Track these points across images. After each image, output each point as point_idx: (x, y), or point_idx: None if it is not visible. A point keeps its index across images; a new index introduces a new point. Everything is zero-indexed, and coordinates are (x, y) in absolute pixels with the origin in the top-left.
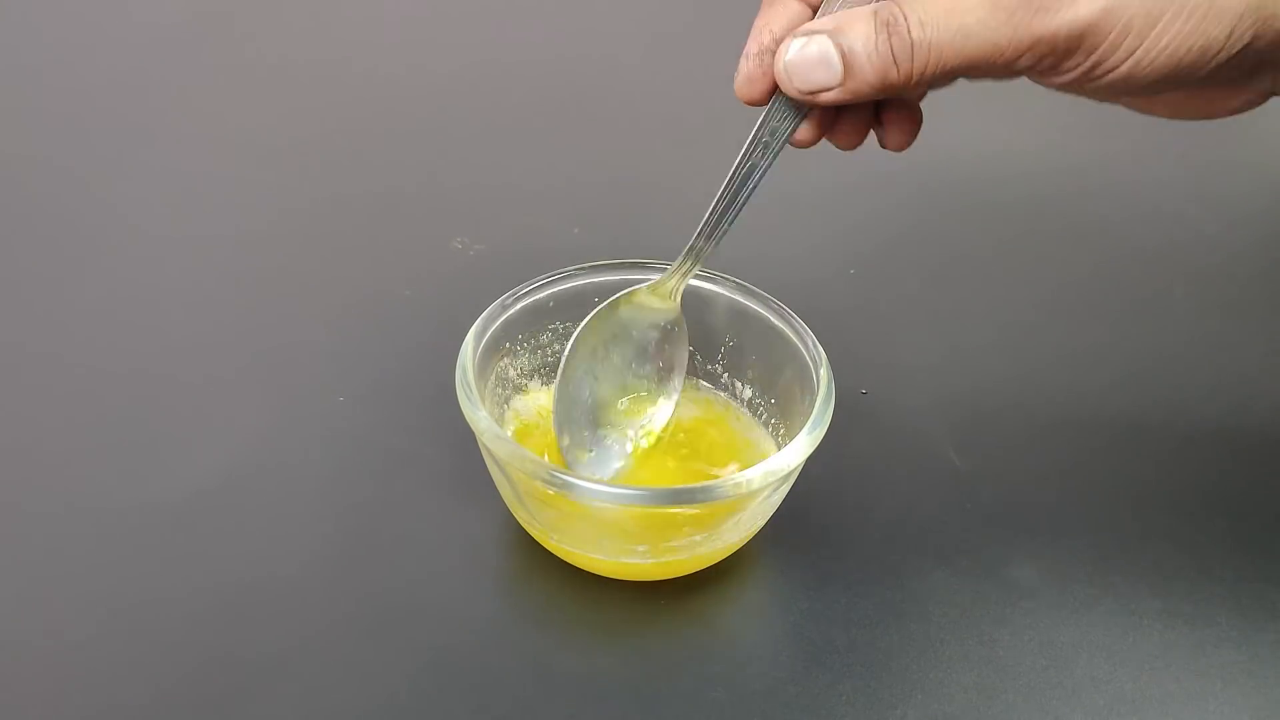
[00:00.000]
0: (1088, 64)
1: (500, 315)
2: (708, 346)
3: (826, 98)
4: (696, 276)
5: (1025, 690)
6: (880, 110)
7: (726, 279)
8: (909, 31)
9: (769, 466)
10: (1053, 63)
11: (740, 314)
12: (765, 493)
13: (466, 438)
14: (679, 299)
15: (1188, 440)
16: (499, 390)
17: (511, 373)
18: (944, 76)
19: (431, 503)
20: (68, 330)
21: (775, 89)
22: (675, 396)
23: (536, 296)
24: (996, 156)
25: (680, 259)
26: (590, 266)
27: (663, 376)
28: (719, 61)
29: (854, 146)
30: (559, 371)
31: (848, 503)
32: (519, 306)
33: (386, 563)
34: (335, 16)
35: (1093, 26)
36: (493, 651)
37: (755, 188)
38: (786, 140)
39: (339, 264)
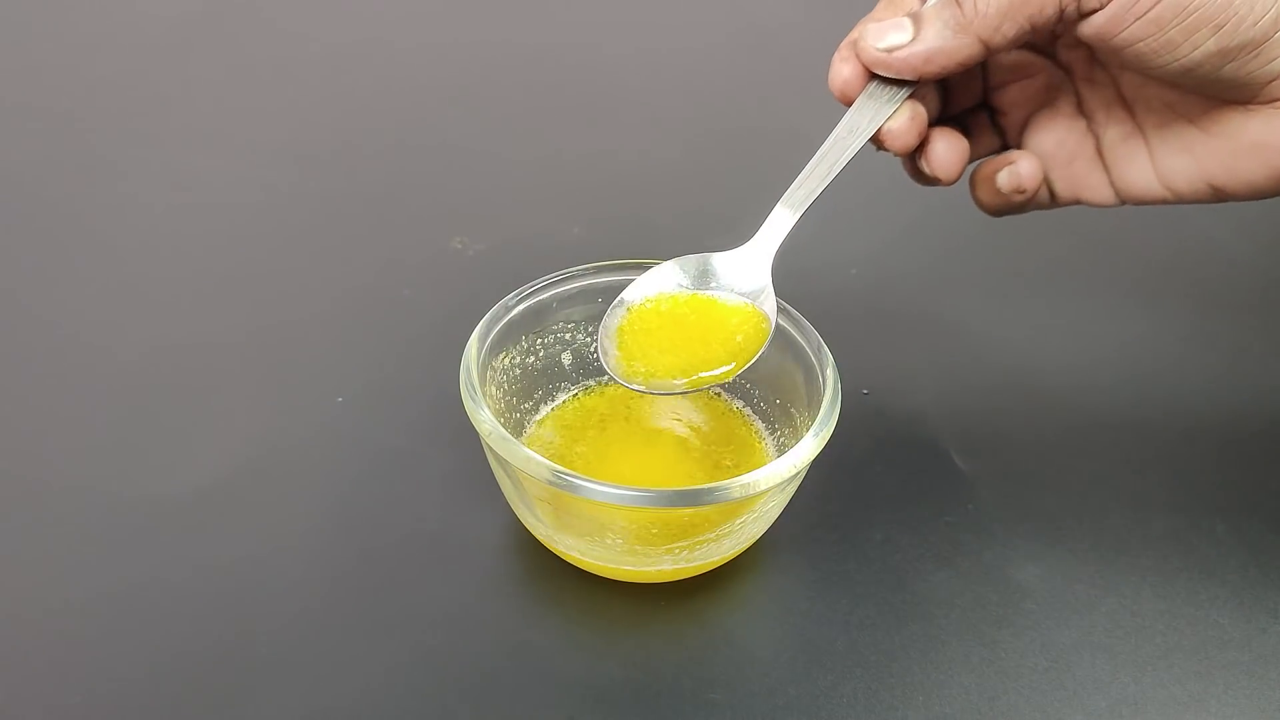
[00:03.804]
0: None
1: (504, 316)
2: None
3: (900, 55)
4: None
5: (1027, 692)
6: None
7: None
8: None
9: (776, 467)
10: None
11: None
12: (772, 494)
13: (466, 438)
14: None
15: (1189, 441)
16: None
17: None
18: (1011, 37)
19: (431, 503)
20: (67, 330)
21: (867, 79)
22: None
23: (540, 297)
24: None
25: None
26: (595, 267)
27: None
28: (719, 61)
29: (953, 173)
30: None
31: (849, 503)
32: (522, 307)
33: (387, 563)
34: (335, 15)
35: None
36: (493, 652)
37: (842, 168)
38: (882, 124)
39: (339, 264)
